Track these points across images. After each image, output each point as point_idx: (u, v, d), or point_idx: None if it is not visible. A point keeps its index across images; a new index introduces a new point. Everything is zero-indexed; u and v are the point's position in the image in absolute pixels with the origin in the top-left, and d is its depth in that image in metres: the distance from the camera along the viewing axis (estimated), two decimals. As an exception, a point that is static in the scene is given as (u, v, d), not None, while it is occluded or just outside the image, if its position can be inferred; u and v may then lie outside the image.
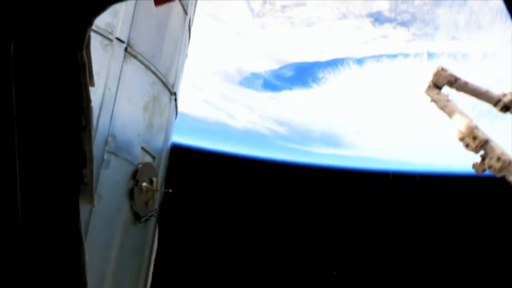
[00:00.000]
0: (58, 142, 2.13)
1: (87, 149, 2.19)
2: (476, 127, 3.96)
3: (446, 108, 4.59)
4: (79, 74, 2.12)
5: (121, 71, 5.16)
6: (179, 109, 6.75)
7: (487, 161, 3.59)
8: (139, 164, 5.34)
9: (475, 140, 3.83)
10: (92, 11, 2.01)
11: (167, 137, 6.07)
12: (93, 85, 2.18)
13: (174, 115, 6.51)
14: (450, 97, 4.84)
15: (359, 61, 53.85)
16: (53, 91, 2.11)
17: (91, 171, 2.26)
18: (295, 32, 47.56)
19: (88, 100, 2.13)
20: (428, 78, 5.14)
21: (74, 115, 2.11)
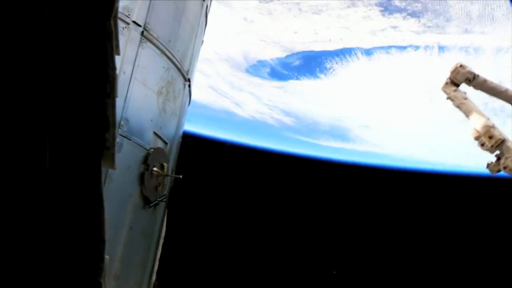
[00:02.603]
0: (84, 107, 2.26)
1: (111, 115, 2.30)
2: (493, 126, 4.00)
3: (463, 106, 4.60)
4: (106, 43, 2.25)
5: (136, 55, 5.24)
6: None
7: (502, 161, 3.64)
8: (150, 148, 5.44)
9: (491, 140, 3.87)
10: None
11: (179, 123, 6.17)
12: (118, 53, 2.32)
13: (188, 102, 6.60)
14: (467, 95, 4.86)
15: (368, 52, 52.68)
16: (81, 58, 2.25)
17: (113, 136, 2.38)
18: (303, 19, 46.77)
19: (113, 68, 2.26)
20: (445, 75, 5.15)
21: (100, 81, 2.24)
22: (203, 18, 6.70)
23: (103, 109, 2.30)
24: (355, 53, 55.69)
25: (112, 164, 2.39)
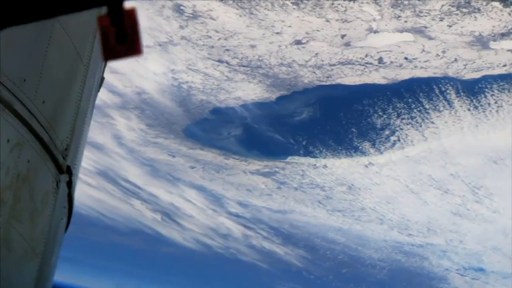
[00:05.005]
0: None
1: None
2: None
3: None
4: None
5: None
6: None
7: None
8: None
9: None
10: None
11: (44, 273, 6.16)
12: None
13: (64, 220, 6.64)
14: None
15: (470, 86, 56.31)
16: None
17: None
18: (310, 11, 50.96)
19: None
20: None
21: None
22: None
23: None
24: (445, 89, 56.34)
25: None
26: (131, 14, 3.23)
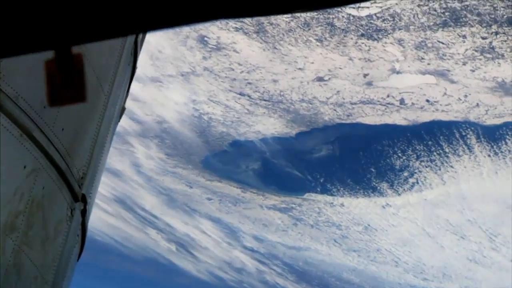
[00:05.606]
0: None
1: None
2: None
3: None
4: None
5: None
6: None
7: None
8: None
9: None
10: None
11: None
12: None
13: (77, 248, 6.61)
14: None
15: (490, 132, 55.58)
16: None
17: None
18: (335, 48, 50.60)
19: None
20: None
21: None
22: (126, 60, 6.88)
23: None
24: (466, 133, 55.91)
25: None
26: (78, 60, 3.09)
